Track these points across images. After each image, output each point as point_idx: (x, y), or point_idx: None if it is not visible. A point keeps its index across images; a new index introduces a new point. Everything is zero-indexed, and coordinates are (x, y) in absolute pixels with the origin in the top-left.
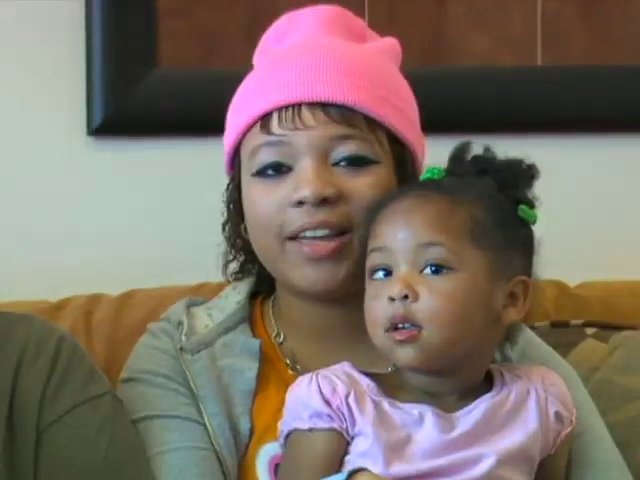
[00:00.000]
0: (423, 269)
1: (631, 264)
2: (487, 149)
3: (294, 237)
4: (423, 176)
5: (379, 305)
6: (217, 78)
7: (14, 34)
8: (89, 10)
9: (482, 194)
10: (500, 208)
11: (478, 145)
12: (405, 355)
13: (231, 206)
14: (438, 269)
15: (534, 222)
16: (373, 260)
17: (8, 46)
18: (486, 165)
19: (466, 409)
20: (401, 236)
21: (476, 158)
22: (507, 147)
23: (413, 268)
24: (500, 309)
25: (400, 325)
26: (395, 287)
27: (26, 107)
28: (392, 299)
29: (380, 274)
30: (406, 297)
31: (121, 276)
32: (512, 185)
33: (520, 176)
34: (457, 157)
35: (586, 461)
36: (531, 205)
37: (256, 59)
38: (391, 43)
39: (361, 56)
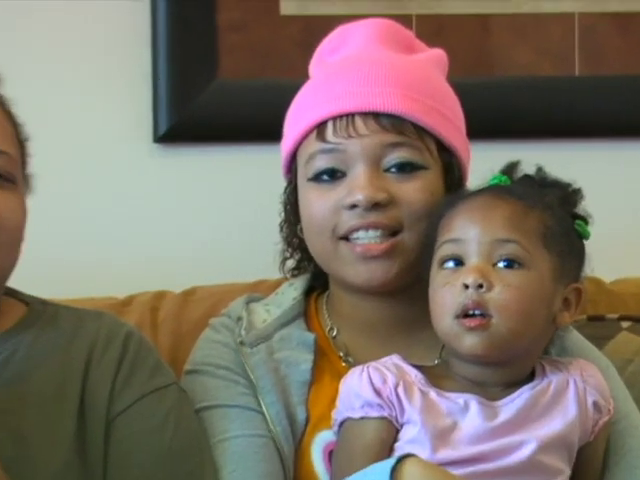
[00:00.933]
0: (497, 262)
1: None
2: (540, 169)
3: (346, 237)
4: (490, 181)
5: (450, 292)
6: (274, 88)
7: (84, 48)
8: (155, 25)
9: (550, 204)
10: (564, 219)
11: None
12: (472, 342)
13: (288, 207)
14: (511, 264)
15: (588, 238)
16: (445, 250)
17: (78, 60)
18: (543, 182)
19: (509, 398)
20: (477, 230)
21: (530, 176)
22: (546, 151)
23: (486, 260)
24: (557, 312)
25: (471, 312)
26: (470, 275)
27: (96, 117)
28: (466, 286)
29: (451, 264)
30: (480, 286)
31: (184, 274)
32: (570, 202)
33: (570, 196)
34: (507, 174)
35: (622, 448)
36: (586, 222)
37: (311, 70)
38: (438, 53)
39: (410, 67)
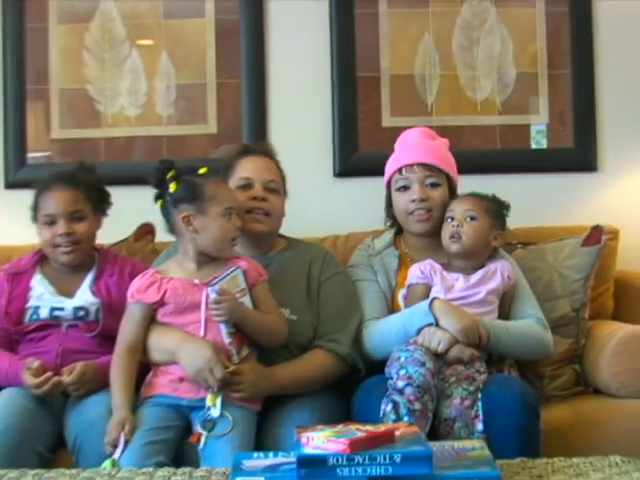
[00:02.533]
0: (466, 218)
1: (539, 219)
2: (494, 195)
3: (411, 213)
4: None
5: (447, 229)
6: (382, 155)
7: (292, 126)
8: (334, 116)
9: (495, 201)
10: (497, 207)
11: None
12: (455, 247)
13: (387, 201)
14: (472, 219)
15: (507, 216)
16: (447, 214)
17: (287, 131)
18: (494, 196)
19: (474, 274)
20: (459, 206)
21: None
22: (484, 179)
23: (462, 217)
24: (491, 240)
25: (455, 235)
26: (455, 222)
27: (300, 160)
28: (453, 226)
29: (449, 220)
30: (459, 226)
31: (346, 229)
32: (503, 204)
33: (503, 203)
34: (478, 194)
35: (518, 297)
36: (507, 210)
37: (396, 146)
38: (446, 140)
39: (435, 146)
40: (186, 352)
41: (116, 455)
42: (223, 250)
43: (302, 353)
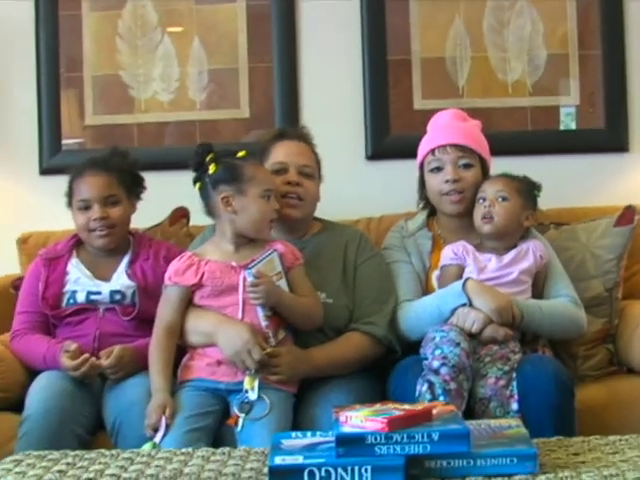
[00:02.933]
0: (497, 198)
1: (571, 200)
2: (525, 175)
3: (445, 194)
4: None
5: (479, 209)
6: (414, 137)
7: (329, 116)
8: (365, 103)
9: (526, 182)
10: (529, 187)
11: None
12: (487, 228)
13: (420, 182)
14: (504, 199)
15: (539, 197)
16: (479, 195)
17: (323, 118)
18: (525, 177)
19: (507, 254)
20: (492, 188)
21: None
22: (515, 159)
23: (494, 198)
24: (523, 220)
25: (487, 216)
26: (487, 203)
27: (334, 144)
28: (485, 207)
29: (481, 200)
30: (490, 206)
31: (379, 211)
32: (534, 185)
33: (534, 183)
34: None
35: (551, 277)
36: (539, 191)
37: (428, 128)
38: (478, 121)
39: (467, 127)
40: (224, 334)
41: (157, 439)
42: (261, 231)
43: (338, 336)
